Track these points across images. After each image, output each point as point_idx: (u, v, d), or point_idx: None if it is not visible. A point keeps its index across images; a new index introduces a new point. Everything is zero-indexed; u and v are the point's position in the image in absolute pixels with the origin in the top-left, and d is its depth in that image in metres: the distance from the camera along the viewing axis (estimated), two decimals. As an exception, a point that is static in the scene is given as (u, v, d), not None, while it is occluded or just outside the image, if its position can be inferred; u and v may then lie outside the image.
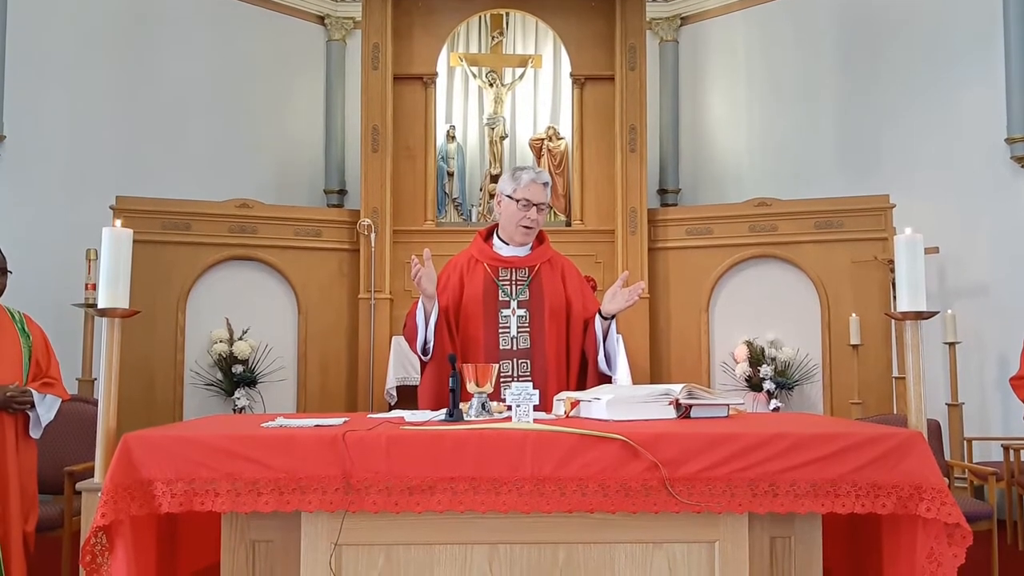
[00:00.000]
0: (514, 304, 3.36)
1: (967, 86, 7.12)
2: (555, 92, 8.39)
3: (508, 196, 3.37)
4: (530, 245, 3.47)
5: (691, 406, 2.66)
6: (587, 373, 3.36)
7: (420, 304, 3.26)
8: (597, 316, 3.33)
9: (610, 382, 3.32)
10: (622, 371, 3.40)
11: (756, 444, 2.30)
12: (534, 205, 3.34)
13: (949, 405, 6.73)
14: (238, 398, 6.96)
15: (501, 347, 3.31)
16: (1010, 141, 6.82)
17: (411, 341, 3.32)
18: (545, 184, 3.37)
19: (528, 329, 3.34)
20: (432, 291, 3.21)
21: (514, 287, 3.38)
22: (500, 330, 3.33)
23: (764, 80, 8.28)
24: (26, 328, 3.84)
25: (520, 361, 3.31)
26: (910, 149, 7.37)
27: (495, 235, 3.50)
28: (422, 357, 3.32)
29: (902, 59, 7.50)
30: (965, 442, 6.58)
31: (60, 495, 4.37)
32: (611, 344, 3.34)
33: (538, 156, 8.04)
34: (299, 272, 7.48)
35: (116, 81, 7.50)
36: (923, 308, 2.62)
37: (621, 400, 2.59)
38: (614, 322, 3.34)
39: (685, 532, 2.35)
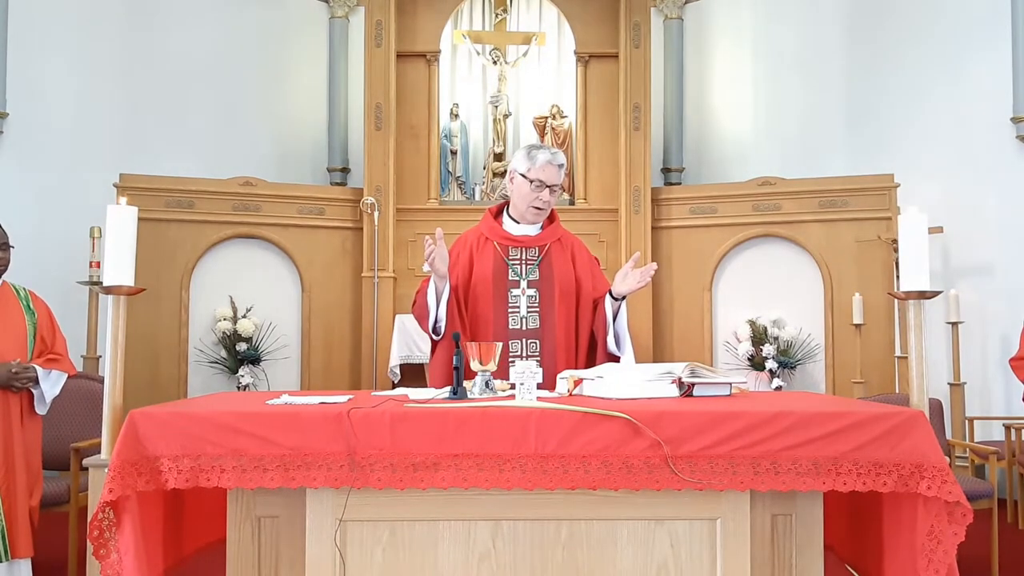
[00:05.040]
0: (524, 284, 3.35)
1: (974, 65, 7.08)
2: (559, 70, 8.35)
3: (522, 175, 3.34)
4: (540, 224, 3.44)
5: (693, 384, 2.66)
6: (596, 353, 3.35)
7: (431, 283, 3.25)
8: (607, 296, 3.31)
9: (618, 362, 3.32)
10: (630, 351, 3.38)
11: (758, 422, 2.31)
12: (547, 187, 3.32)
13: (951, 384, 6.75)
14: (242, 376, 6.99)
15: (510, 327, 3.30)
16: (1016, 120, 6.78)
17: (421, 320, 3.30)
18: (560, 166, 3.34)
19: (537, 309, 3.32)
20: (444, 271, 3.19)
21: (524, 267, 3.37)
22: (509, 310, 3.32)
23: (769, 59, 8.23)
24: (31, 304, 3.85)
25: (529, 341, 3.30)
26: (915, 128, 7.34)
27: (505, 212, 3.47)
28: (433, 336, 3.31)
29: (908, 38, 7.45)
30: (967, 421, 6.60)
31: (66, 471, 4.40)
32: (621, 325, 3.33)
33: (541, 135, 8.01)
34: (302, 250, 7.48)
35: (119, 58, 7.48)
36: (926, 288, 2.62)
37: (624, 379, 2.60)
38: (624, 303, 3.32)
39: (687, 509, 2.37)
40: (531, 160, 3.32)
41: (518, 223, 3.43)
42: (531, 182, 3.32)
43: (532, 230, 3.43)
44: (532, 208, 3.36)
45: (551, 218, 3.48)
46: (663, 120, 8.36)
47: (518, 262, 3.38)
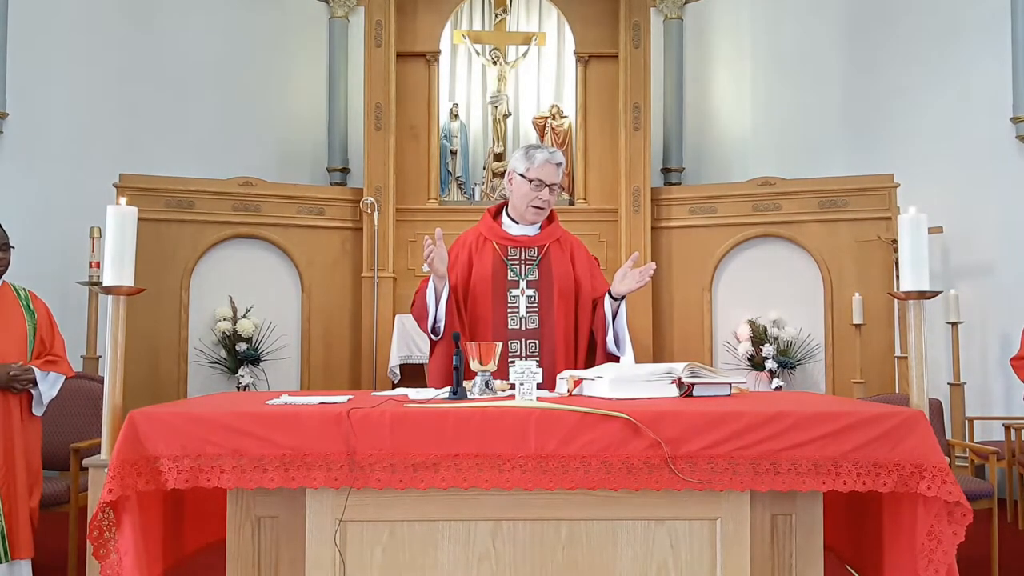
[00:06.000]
0: (523, 284, 3.34)
1: (974, 65, 7.08)
2: (559, 70, 8.36)
3: (520, 175, 3.33)
4: (539, 224, 3.43)
5: (693, 385, 2.66)
6: (595, 353, 3.35)
7: (431, 283, 3.24)
8: (607, 296, 3.31)
9: (618, 362, 3.31)
10: (630, 351, 3.37)
11: (758, 423, 2.31)
12: (547, 186, 3.31)
13: (951, 384, 6.75)
14: (242, 376, 6.99)
15: (510, 327, 3.29)
16: (1016, 120, 6.77)
17: (420, 320, 3.29)
18: (559, 165, 3.33)
19: (537, 309, 3.31)
20: (443, 271, 3.19)
21: (523, 267, 3.36)
22: (509, 310, 3.31)
23: (769, 58, 8.24)
24: (31, 305, 3.85)
25: (528, 341, 3.29)
26: (915, 128, 7.34)
27: (504, 213, 3.47)
28: (432, 336, 3.31)
29: (908, 37, 7.46)
30: (967, 421, 6.60)
31: (66, 471, 4.40)
32: (620, 325, 3.32)
33: (541, 135, 8.02)
34: (302, 250, 7.49)
35: (119, 59, 7.48)
36: (926, 288, 2.61)
37: (624, 379, 2.60)
38: (623, 303, 3.32)
39: (687, 509, 2.36)
40: (529, 160, 3.31)
41: (517, 223, 3.42)
42: (530, 182, 3.31)
43: (531, 230, 3.42)
44: (531, 208, 3.35)
45: (550, 218, 3.47)
46: (663, 120, 8.36)
47: (517, 262, 3.37)
